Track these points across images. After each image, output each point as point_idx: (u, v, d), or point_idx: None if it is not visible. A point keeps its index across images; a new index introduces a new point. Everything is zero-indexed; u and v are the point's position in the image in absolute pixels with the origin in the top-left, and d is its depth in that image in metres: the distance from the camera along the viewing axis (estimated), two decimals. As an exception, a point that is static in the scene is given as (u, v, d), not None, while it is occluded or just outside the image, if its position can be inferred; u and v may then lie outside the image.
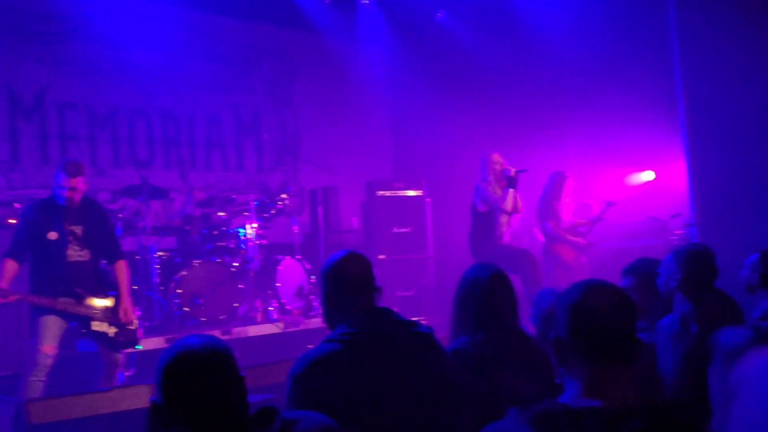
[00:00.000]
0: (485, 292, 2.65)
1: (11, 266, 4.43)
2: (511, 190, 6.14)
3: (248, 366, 4.41)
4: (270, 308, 6.86)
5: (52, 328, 4.41)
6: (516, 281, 5.83)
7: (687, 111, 7.63)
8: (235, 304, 6.73)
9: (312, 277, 7.29)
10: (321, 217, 7.92)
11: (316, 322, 7.04)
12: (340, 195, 8.52)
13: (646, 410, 1.53)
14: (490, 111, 8.71)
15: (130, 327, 4.73)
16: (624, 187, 8.69)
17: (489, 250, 6.21)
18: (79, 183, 4.50)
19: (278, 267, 7.00)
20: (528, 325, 3.02)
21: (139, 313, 6.40)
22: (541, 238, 7.24)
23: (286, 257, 7.13)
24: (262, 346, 6.69)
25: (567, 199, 7.20)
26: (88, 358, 6.27)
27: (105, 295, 4.66)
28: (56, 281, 4.45)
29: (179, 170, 8.05)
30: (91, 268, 4.60)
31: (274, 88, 8.88)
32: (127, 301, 4.70)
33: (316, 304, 7.21)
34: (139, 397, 3.73)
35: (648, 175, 8.97)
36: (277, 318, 6.83)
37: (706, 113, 7.61)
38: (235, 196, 7.33)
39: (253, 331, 6.67)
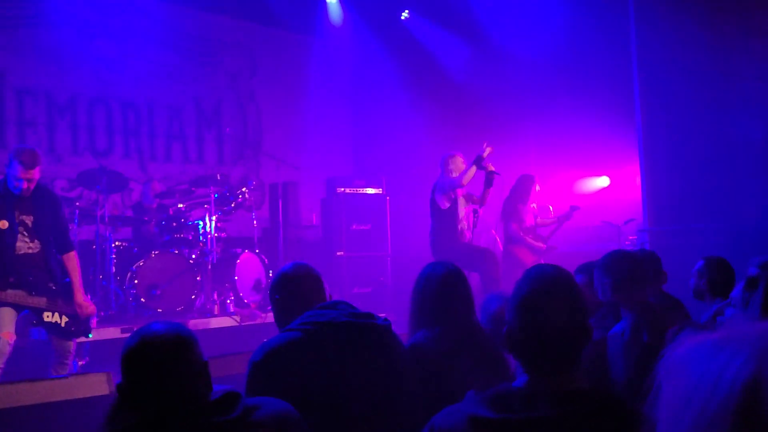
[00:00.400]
0: (440, 287, 2.69)
1: None
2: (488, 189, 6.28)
3: (209, 357, 4.42)
4: (227, 301, 6.84)
5: (5, 317, 4.32)
6: (475, 279, 6.02)
7: (643, 121, 7.88)
8: (192, 296, 6.70)
9: (270, 271, 7.29)
10: (281, 212, 7.93)
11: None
12: (300, 190, 8.53)
13: (595, 393, 1.60)
14: (451, 112, 8.83)
15: (83, 317, 4.64)
16: (580, 192, 8.92)
17: (450, 247, 6.28)
18: (36, 174, 4.37)
19: (237, 260, 6.99)
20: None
21: (93, 303, 6.34)
22: (500, 239, 7.36)
23: (244, 251, 7.12)
24: (219, 339, 6.67)
25: (533, 204, 7.34)
26: (41, 346, 6.19)
27: (56, 286, 4.55)
28: (5, 273, 4.32)
29: (138, 160, 7.97)
30: (42, 259, 4.46)
31: (236, 81, 8.85)
32: (80, 293, 4.60)
33: (273, 298, 7.22)
34: (94, 385, 3.71)
35: (603, 181, 9.22)
36: (234, 311, 6.82)
37: (661, 123, 7.88)
38: (194, 189, 7.29)
39: (210, 323, 6.65)
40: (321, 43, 9.28)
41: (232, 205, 7.18)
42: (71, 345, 4.70)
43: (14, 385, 3.53)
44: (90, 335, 4.83)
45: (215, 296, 6.82)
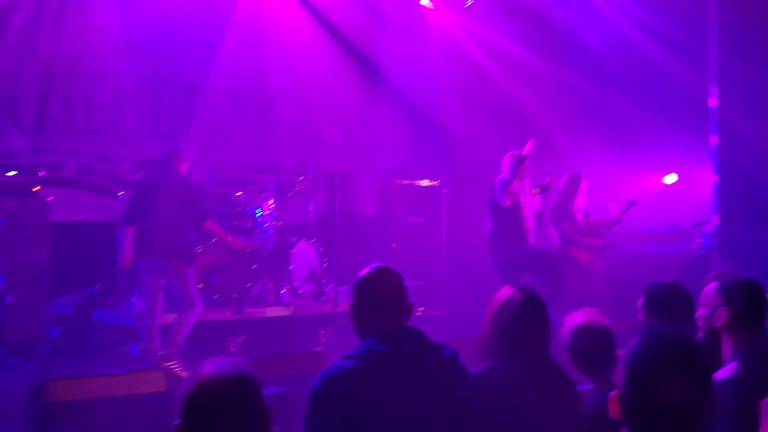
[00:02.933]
0: (516, 317, 2.55)
1: None
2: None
3: (260, 356, 4.47)
4: (282, 290, 6.90)
5: None
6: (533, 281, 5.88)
7: (720, 118, 7.54)
8: (248, 284, 6.79)
9: (325, 261, 7.32)
10: (337, 201, 7.92)
11: (327, 307, 7.08)
12: (356, 180, 8.52)
13: None
14: (513, 106, 8.64)
15: None
16: (646, 191, 8.63)
17: (511, 249, 6.14)
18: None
19: (292, 250, 7.03)
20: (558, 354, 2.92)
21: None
22: (556, 240, 7.20)
23: (300, 240, 7.16)
24: (272, 329, 6.76)
25: (582, 202, 7.14)
26: (101, 327, 6.39)
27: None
28: None
29: (200, 145, 8.07)
30: None
31: (296, 69, 8.82)
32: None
33: (327, 288, 7.25)
34: (152, 383, 3.78)
35: (671, 178, 8.89)
36: (288, 301, 6.88)
37: (740, 120, 7.52)
38: (253, 176, 7.34)
39: (265, 312, 6.73)
40: (382, 35, 9.17)
41: (290, 193, 7.21)
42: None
43: (77, 380, 3.63)
44: None
45: (270, 285, 6.89)
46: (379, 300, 2.35)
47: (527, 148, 6.01)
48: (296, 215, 7.68)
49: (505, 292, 2.67)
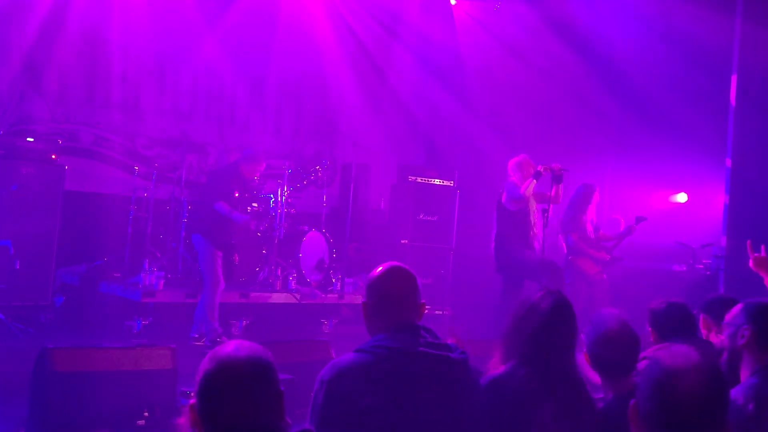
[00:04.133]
0: (544, 323, 2.49)
1: None
2: (556, 185, 6.11)
3: (264, 342, 4.48)
4: (290, 277, 6.91)
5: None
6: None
7: (734, 143, 7.52)
8: (256, 269, 6.81)
9: (334, 251, 7.33)
10: (351, 194, 7.93)
11: (332, 298, 7.10)
12: (371, 174, 8.51)
13: None
14: (530, 113, 8.62)
15: None
16: (656, 208, 8.61)
17: (516, 255, 6.13)
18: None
19: (303, 238, 7.04)
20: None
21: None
22: (565, 249, 7.19)
23: (311, 229, 7.17)
24: (277, 315, 6.78)
25: (593, 213, 7.12)
26: (107, 300, 6.41)
27: None
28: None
29: (218, 126, 8.07)
30: None
31: (320, 57, 8.81)
32: None
33: (334, 279, 7.26)
34: (158, 359, 3.81)
35: (681, 197, 8.87)
36: (295, 288, 6.89)
37: (755, 143, 7.50)
38: (269, 162, 7.34)
39: (271, 298, 6.74)
40: (404, 32, 9.14)
41: (305, 181, 7.22)
42: None
43: (84, 350, 3.65)
44: None
45: (279, 271, 6.90)
46: (393, 299, 2.34)
47: (549, 168, 6.00)
48: (309, 204, 7.69)
49: (533, 295, 2.61)
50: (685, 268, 7.82)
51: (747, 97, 7.37)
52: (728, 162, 7.68)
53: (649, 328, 3.32)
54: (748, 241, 4.14)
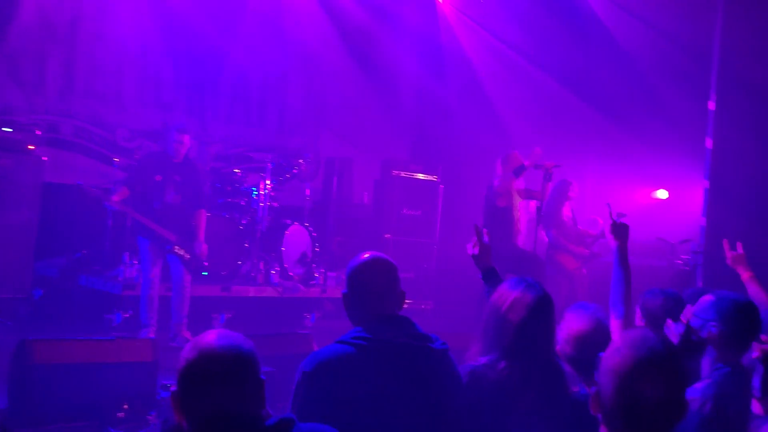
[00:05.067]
0: (525, 316, 2.48)
1: None
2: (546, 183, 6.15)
3: (246, 335, 4.46)
4: (272, 271, 6.89)
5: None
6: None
7: (714, 141, 7.60)
8: (238, 262, 6.77)
9: (317, 245, 7.31)
10: (334, 188, 7.91)
11: (315, 291, 7.09)
12: (355, 168, 8.49)
13: None
14: (515, 108, 8.65)
15: (200, 257, 5.92)
16: (637, 204, 8.70)
17: (499, 250, 6.16)
18: (186, 140, 5.80)
19: (285, 231, 7.01)
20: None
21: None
22: (546, 244, 7.23)
23: (294, 222, 7.14)
24: (259, 308, 6.75)
25: (570, 208, 7.17)
26: (86, 293, 6.35)
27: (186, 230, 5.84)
28: (156, 214, 5.72)
29: (200, 118, 8.01)
30: (180, 209, 5.82)
31: (305, 50, 8.77)
32: (200, 238, 5.91)
33: (317, 273, 7.25)
34: (138, 351, 3.78)
35: (662, 194, 8.97)
36: (277, 282, 6.87)
37: (734, 145, 7.60)
38: (252, 154, 7.30)
39: (252, 291, 6.72)
40: (392, 25, 9.12)
41: (288, 175, 7.19)
42: (189, 283, 5.85)
43: (63, 342, 3.61)
44: (205, 273, 6.32)
45: (261, 265, 6.87)
46: (373, 289, 2.33)
47: (532, 159, 6.03)
48: (292, 198, 7.65)
49: (514, 288, 2.58)
50: (665, 264, 7.91)
51: (726, 94, 7.46)
52: (707, 157, 7.78)
53: (640, 316, 3.32)
54: (725, 240, 4.19)
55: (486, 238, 3.13)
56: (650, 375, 1.59)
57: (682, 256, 7.87)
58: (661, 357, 1.62)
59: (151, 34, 7.58)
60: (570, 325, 2.88)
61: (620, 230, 3.04)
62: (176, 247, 5.77)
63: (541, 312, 2.52)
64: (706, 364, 2.75)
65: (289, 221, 7.11)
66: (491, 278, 3.07)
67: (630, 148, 8.52)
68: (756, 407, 2.46)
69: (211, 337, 1.67)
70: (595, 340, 2.70)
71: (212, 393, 1.60)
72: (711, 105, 7.65)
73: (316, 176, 7.79)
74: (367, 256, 2.42)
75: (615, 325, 2.85)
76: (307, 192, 7.49)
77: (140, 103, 7.71)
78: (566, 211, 7.06)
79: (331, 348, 2.25)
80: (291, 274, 6.99)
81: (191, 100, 8.07)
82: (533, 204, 6.91)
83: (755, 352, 2.48)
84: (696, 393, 2.51)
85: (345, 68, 8.88)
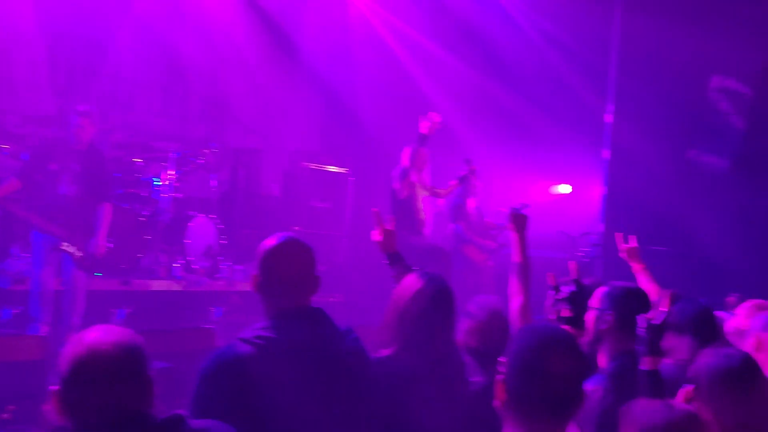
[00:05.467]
0: (425, 308, 2.49)
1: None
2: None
3: (146, 330, 4.29)
4: (175, 264, 6.67)
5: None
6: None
7: (613, 140, 7.97)
8: (138, 255, 6.50)
9: (223, 238, 7.14)
10: (241, 179, 7.75)
11: (220, 285, 6.92)
12: (263, 159, 8.35)
13: None
14: (422, 102, 8.73)
15: (96, 256, 5.49)
16: (541, 198, 8.98)
17: (406, 239, 6.20)
18: (86, 124, 5.43)
19: (189, 223, 6.80)
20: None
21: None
22: (453, 237, 7.33)
23: (199, 214, 6.94)
24: (161, 303, 6.52)
25: (475, 201, 7.30)
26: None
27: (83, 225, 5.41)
28: (47, 205, 5.32)
29: (99, 105, 7.63)
30: (78, 201, 5.39)
31: (210, 36, 8.51)
32: (101, 237, 5.49)
33: (223, 266, 7.08)
34: (28, 349, 3.56)
35: (565, 188, 9.31)
36: (180, 275, 6.66)
37: (630, 144, 8.00)
38: (154, 144, 7.04)
39: (154, 285, 6.48)
40: (304, 16, 9.01)
41: (192, 165, 6.99)
42: (81, 281, 5.48)
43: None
44: (98, 274, 5.78)
45: (163, 258, 6.64)
46: (286, 276, 2.21)
47: (426, 125, 6.03)
48: (197, 189, 7.43)
49: (415, 281, 2.59)
50: (566, 256, 8.21)
51: (623, 95, 7.83)
52: (605, 153, 8.12)
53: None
54: (617, 234, 4.39)
55: (389, 225, 3.12)
56: (556, 357, 1.65)
57: (583, 249, 8.19)
58: (564, 340, 1.69)
59: (45, 14, 7.15)
60: (470, 317, 2.93)
61: (519, 221, 3.11)
62: (64, 243, 5.37)
63: (441, 304, 2.53)
64: (603, 354, 2.85)
65: (193, 213, 6.91)
66: (396, 263, 3.10)
67: (534, 144, 8.78)
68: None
69: (96, 333, 1.60)
70: (495, 331, 2.76)
71: (98, 390, 1.54)
72: (608, 117, 8.02)
73: (222, 167, 7.58)
74: (281, 237, 2.29)
75: (514, 315, 2.92)
76: (214, 183, 7.30)
77: (34, 88, 7.27)
78: (471, 205, 7.19)
79: (232, 348, 2.13)
80: (195, 267, 6.79)
81: (89, 86, 7.68)
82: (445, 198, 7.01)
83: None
84: (596, 383, 2.57)
85: (252, 57, 8.68)
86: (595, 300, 2.89)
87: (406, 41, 8.93)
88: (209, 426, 1.73)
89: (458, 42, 8.80)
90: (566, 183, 9.31)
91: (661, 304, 2.64)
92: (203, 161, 7.02)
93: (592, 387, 2.54)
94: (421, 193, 6.31)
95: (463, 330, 2.88)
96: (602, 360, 2.81)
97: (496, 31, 8.72)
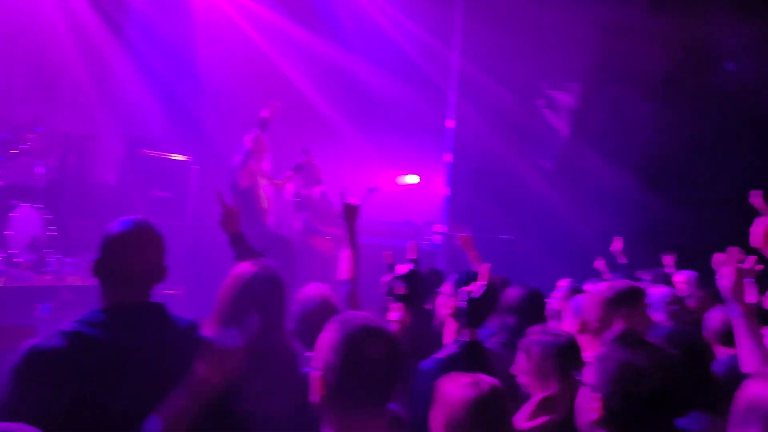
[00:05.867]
0: (257, 295, 2.48)
1: None
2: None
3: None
4: (-6, 258, 6.11)
5: None
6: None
7: (456, 133, 8.32)
8: (-50, 249, 5.90)
9: (52, 229, 6.63)
10: (72, 166, 7.22)
11: (48, 279, 6.44)
12: (98, 146, 7.84)
13: None
14: (269, 90, 8.62)
15: None
16: (389, 188, 9.18)
17: (250, 230, 6.10)
18: None
19: (12, 213, 6.27)
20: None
21: None
22: (298, 227, 7.30)
23: (23, 204, 6.41)
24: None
25: (320, 189, 7.33)
26: None
27: None
28: None
29: None
30: None
31: (39, 9, 7.83)
32: None
33: (51, 259, 6.59)
34: None
35: (413, 178, 9.57)
36: (1, 270, 6.11)
37: (472, 138, 8.40)
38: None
39: (-31, 280, 5.90)
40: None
41: (15, 151, 6.43)
42: None
43: None
44: None
45: (-20, 251, 6.07)
46: (132, 264, 2.09)
47: (266, 111, 5.98)
48: (21, 176, 6.83)
49: (245, 269, 2.57)
50: (412, 243, 8.45)
51: (465, 94, 8.21)
52: (447, 157, 8.46)
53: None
54: (455, 225, 4.66)
55: (231, 204, 3.12)
56: (370, 346, 1.66)
57: (427, 237, 8.48)
58: (376, 328, 1.70)
59: None
60: (302, 306, 2.96)
61: (350, 212, 3.15)
62: None
63: (272, 292, 2.51)
64: (447, 336, 2.96)
65: (15, 202, 6.36)
66: (238, 244, 3.10)
67: (382, 135, 8.95)
68: None
69: None
70: (325, 319, 2.77)
71: None
72: (449, 123, 8.35)
73: (50, 153, 7.03)
74: (130, 222, 2.14)
75: (343, 303, 2.95)
76: (40, 170, 6.75)
77: None
78: (318, 194, 7.19)
79: (44, 341, 1.99)
80: (18, 260, 6.27)
81: None
82: (289, 187, 6.95)
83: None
84: (432, 364, 2.66)
85: (88, 36, 8.11)
86: (444, 287, 3.03)
87: (254, 23, 8.74)
88: (12, 429, 1.59)
89: (308, 27, 8.74)
90: (414, 173, 9.58)
91: (480, 278, 2.77)
92: (28, 146, 6.48)
93: (427, 367, 2.66)
94: (262, 182, 6.22)
95: (295, 318, 2.89)
96: (447, 342, 2.93)
97: (347, 17, 8.75)
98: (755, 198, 1.65)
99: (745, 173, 7.74)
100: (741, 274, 2.39)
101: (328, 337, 1.72)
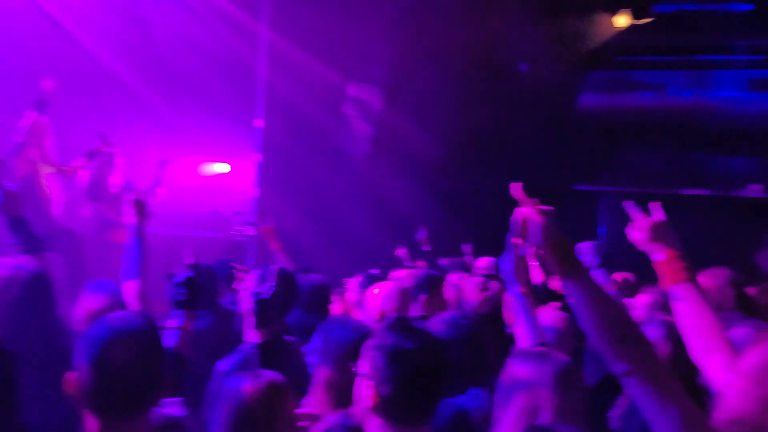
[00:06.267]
0: (19, 295, 2.40)
1: None
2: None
3: None
4: None
5: None
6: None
7: (266, 128, 8.18)
8: None
9: None
10: None
11: None
12: None
13: None
14: (63, 78, 7.88)
15: None
16: (195, 177, 8.80)
17: (32, 223, 5.55)
18: None
19: None
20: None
21: None
22: (93, 220, 6.73)
23: None
24: None
25: (120, 179, 6.85)
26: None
27: None
28: None
29: None
30: None
31: None
32: None
33: None
34: None
35: (223, 167, 9.23)
36: None
37: (282, 133, 8.32)
38: None
39: None
40: None
41: None
42: None
43: None
44: None
45: None
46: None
47: (44, 89, 5.47)
48: None
49: (5, 269, 2.48)
50: (220, 235, 8.17)
51: (273, 100, 8.13)
52: (257, 157, 8.30)
53: None
54: (260, 217, 4.60)
55: (8, 185, 2.95)
56: (121, 348, 1.65)
57: (236, 227, 8.25)
58: (132, 331, 1.68)
59: None
60: (86, 304, 2.87)
61: (139, 206, 3.02)
62: None
63: (36, 290, 2.45)
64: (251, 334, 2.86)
65: None
66: (18, 229, 2.94)
67: (192, 124, 8.53)
68: None
69: None
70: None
71: None
72: (258, 123, 8.21)
73: None
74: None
75: (131, 299, 2.81)
76: None
77: None
78: (115, 184, 6.65)
79: None
80: None
81: None
82: (82, 176, 6.38)
83: None
84: (227, 365, 2.63)
85: None
86: (248, 282, 2.99)
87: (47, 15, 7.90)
88: None
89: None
90: (223, 161, 9.25)
91: (268, 279, 2.74)
92: None
93: (223, 368, 2.63)
94: (45, 170, 5.64)
95: (79, 316, 2.81)
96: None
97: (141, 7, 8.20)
98: (515, 190, 1.75)
99: (535, 168, 8.44)
100: (521, 259, 2.52)
101: (83, 339, 1.69)
